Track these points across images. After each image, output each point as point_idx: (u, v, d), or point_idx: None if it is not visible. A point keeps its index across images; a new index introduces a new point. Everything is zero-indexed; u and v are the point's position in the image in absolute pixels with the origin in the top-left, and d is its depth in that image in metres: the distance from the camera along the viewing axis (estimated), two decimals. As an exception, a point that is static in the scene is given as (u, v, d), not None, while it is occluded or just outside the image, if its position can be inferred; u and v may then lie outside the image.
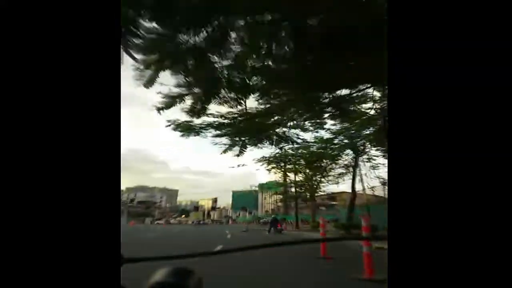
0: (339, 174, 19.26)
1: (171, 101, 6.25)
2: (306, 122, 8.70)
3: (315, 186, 21.48)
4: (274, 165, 18.89)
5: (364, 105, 8.27)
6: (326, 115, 7.89)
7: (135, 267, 0.39)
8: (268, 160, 16.88)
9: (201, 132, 7.79)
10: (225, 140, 8.59)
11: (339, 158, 16.17)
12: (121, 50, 4.23)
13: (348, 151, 14.07)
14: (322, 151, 14.56)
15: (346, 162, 16.89)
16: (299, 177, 22.75)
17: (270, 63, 4.98)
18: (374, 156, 13.61)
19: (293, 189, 24.51)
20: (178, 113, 6.86)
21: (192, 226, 36.50)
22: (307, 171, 20.47)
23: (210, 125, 7.50)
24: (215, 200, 50.62)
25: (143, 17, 3.88)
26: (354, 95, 6.89)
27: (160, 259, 0.40)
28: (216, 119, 7.26)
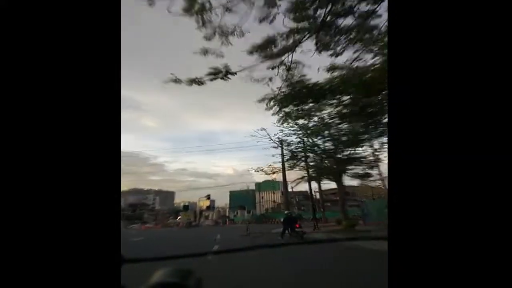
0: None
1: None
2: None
3: (344, 156, 13.41)
4: (278, 104, 8.68)
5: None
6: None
7: (135, 267, 0.39)
8: (272, 99, 8.03)
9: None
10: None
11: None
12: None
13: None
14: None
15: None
16: (316, 138, 13.18)
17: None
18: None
19: (299, 174, 16.13)
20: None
21: (177, 230, 27.94)
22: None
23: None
24: (208, 197, 43.97)
25: None
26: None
27: (160, 260, 0.41)
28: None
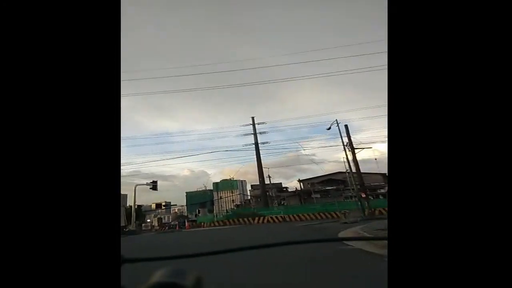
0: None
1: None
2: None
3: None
4: None
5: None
6: None
7: (135, 267, 0.39)
8: None
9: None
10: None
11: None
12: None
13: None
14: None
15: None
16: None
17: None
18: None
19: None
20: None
21: None
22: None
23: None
24: (154, 186, 28.35)
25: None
26: None
27: (160, 260, 0.41)
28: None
